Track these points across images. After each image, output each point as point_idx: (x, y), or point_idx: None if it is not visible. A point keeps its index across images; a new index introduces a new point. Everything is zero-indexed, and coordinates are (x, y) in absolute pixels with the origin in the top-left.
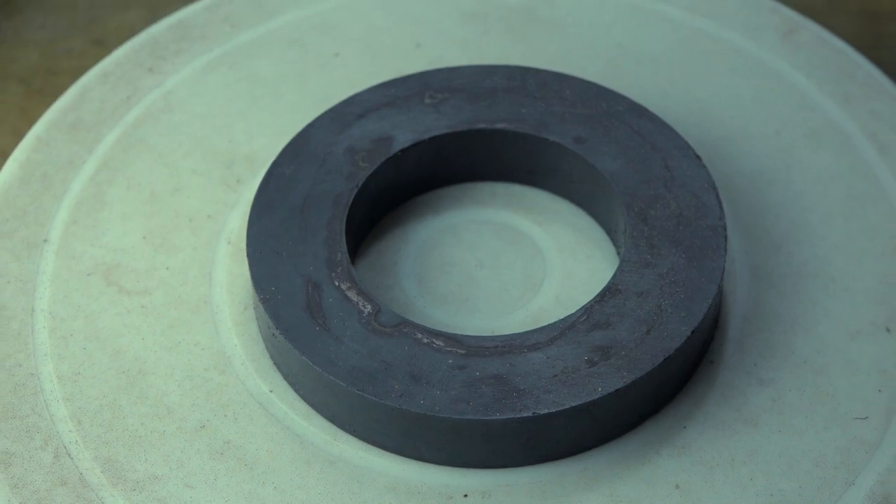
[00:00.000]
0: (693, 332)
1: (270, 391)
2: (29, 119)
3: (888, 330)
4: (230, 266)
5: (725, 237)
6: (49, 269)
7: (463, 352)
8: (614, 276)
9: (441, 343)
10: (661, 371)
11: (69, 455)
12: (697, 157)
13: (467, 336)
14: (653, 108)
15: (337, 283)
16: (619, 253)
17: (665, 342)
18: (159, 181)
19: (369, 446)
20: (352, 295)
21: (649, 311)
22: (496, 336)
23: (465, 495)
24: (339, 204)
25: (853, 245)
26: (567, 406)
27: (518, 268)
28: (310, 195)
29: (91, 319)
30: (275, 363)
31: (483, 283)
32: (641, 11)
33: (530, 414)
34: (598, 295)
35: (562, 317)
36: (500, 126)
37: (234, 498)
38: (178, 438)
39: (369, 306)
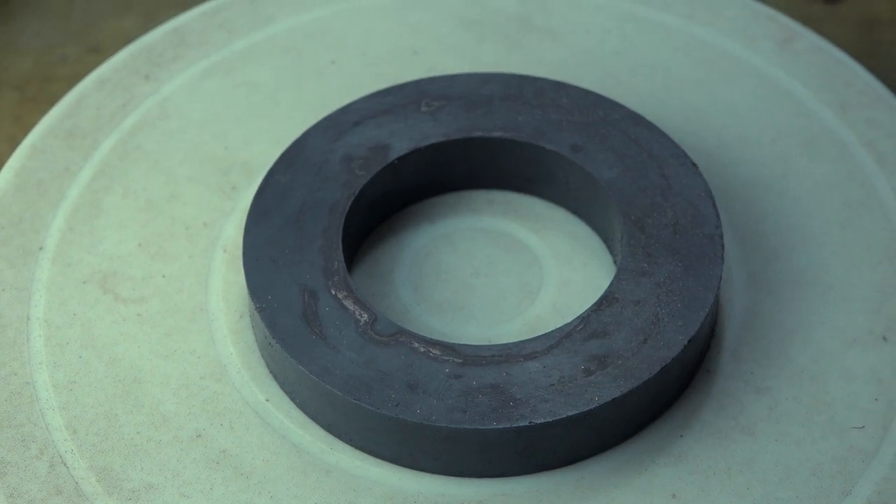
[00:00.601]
0: (690, 341)
1: (266, 400)
2: (23, 126)
3: (885, 339)
4: (226, 274)
5: (722, 246)
6: (45, 277)
7: (459, 361)
8: (611, 285)
9: (438, 352)
10: (657, 380)
11: (65, 464)
12: (694, 165)
13: (464, 345)
14: (649, 117)
15: (333, 292)
16: (615, 261)
17: (662, 351)
18: (155, 189)
19: (366, 455)
20: (348, 304)
21: (646, 319)
22: (493, 345)
23: None
24: (335, 212)
25: (850, 253)
26: (563, 415)
27: (514, 276)
28: (306, 203)
29: (87, 327)
30: (271, 372)
31: (479, 292)
32: (638, 20)
33: (527, 423)
34: (594, 304)
35: (558, 325)
36: (496, 134)
37: None
38: (174, 447)
39: (366, 315)
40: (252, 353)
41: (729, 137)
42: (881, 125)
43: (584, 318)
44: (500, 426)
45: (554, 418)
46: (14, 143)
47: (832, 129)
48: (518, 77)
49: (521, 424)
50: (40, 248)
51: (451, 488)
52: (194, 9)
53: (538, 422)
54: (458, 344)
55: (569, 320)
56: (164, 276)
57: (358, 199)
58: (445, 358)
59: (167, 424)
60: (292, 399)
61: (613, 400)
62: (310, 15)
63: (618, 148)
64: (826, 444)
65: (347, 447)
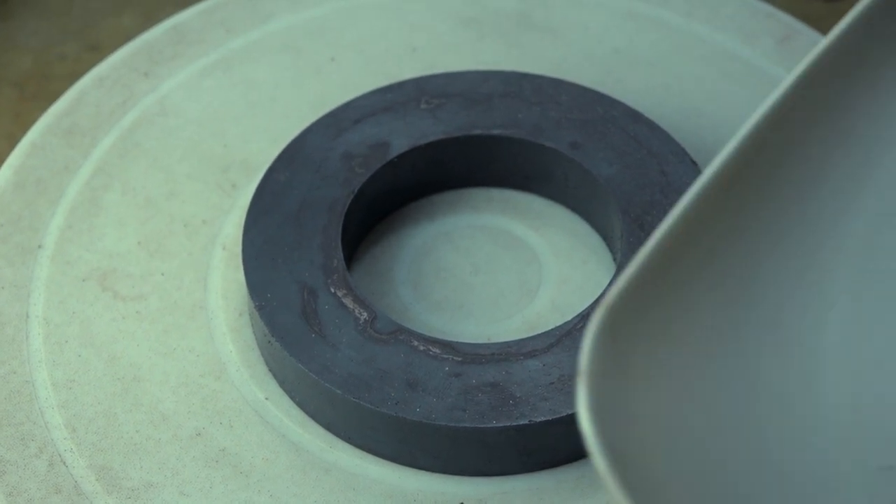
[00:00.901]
0: None
1: (266, 398)
2: (23, 124)
3: None
4: (225, 272)
5: None
6: (44, 275)
7: (459, 359)
8: (611, 283)
9: (437, 350)
10: None
11: (64, 463)
12: (693, 162)
13: (463, 343)
14: (648, 114)
15: (333, 290)
16: (615, 259)
17: None
18: (154, 186)
19: (365, 454)
20: (348, 302)
21: None
22: (492, 343)
23: (462, 503)
24: (334, 210)
25: None
26: (563, 414)
27: (514, 274)
28: (305, 201)
29: (86, 325)
30: (270, 370)
31: (479, 289)
32: (637, 17)
33: (527, 422)
34: (594, 301)
35: (558, 323)
36: (496, 131)
37: None
38: (174, 446)
39: (365, 313)
40: (251, 351)
41: (728, 134)
42: None
43: (583, 316)
44: (500, 424)
45: (554, 416)
46: (13, 141)
47: None
48: (517, 75)
49: (522, 423)
50: (39, 246)
51: (450, 487)
52: (193, 7)
53: (538, 420)
54: (458, 342)
55: (568, 318)
56: (163, 274)
57: (357, 197)
58: (445, 356)
59: (166, 423)
60: (292, 397)
61: None
62: (309, 13)
63: (617, 145)
64: None
65: (347, 445)
